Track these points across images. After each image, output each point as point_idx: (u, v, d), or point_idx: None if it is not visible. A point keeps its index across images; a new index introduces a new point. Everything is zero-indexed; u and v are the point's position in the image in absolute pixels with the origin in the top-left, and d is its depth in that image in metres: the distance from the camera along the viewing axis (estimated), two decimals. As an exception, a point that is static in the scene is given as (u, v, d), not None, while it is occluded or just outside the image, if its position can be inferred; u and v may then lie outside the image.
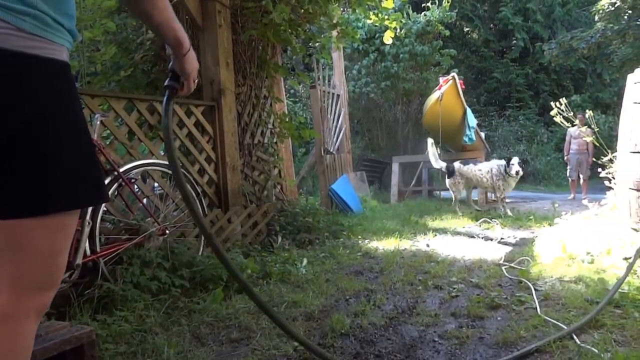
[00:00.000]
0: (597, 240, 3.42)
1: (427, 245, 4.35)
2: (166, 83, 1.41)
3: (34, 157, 0.88)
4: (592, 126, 4.27)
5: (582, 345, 1.95)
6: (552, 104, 4.41)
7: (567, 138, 9.30)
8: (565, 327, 2.14)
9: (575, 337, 2.05)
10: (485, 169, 6.58)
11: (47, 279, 0.94)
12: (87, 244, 2.49)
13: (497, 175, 6.39)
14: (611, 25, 11.38)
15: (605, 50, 13.06)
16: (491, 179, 6.43)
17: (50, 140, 0.90)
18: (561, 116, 4.29)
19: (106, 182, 2.65)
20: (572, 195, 9.20)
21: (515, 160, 6.22)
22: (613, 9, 11.15)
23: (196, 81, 1.42)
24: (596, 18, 11.81)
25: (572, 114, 4.31)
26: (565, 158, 9.40)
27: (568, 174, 9.37)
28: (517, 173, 6.09)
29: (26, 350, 0.92)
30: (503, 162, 6.44)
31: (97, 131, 2.63)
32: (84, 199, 0.99)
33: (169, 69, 1.39)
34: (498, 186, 6.39)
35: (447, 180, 6.78)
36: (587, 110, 4.55)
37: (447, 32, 10.93)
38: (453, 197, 6.80)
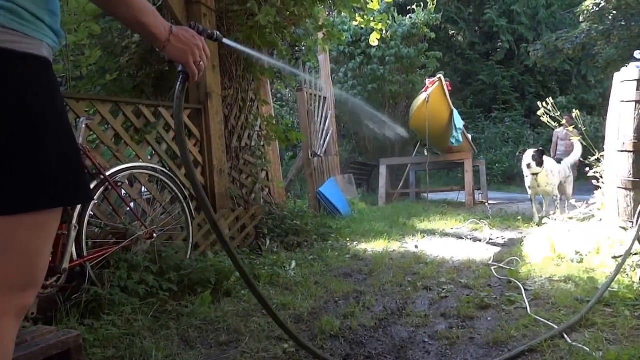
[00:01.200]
0: (586, 240, 3.45)
1: (416, 247, 4.37)
2: (180, 68, 1.34)
3: (11, 153, 0.86)
4: (580, 126, 4.32)
5: (574, 344, 1.96)
6: (539, 104, 4.45)
7: (554, 140, 9.43)
8: (555, 327, 2.15)
9: (566, 336, 2.06)
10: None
11: (28, 280, 0.92)
12: (73, 249, 2.44)
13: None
14: (596, 25, 11.57)
15: (590, 51, 13.28)
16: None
17: (31, 135, 0.87)
18: (548, 116, 4.33)
19: (92, 185, 2.61)
20: (560, 197, 9.32)
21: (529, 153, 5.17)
22: (597, 9, 11.34)
23: (202, 63, 1.29)
24: (581, 19, 12.00)
25: (558, 114, 4.36)
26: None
27: None
28: (528, 166, 5.12)
29: (6, 352, 0.90)
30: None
31: (82, 135, 2.59)
32: (67, 197, 0.96)
33: (168, 60, 1.34)
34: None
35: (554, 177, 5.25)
36: (574, 110, 4.60)
37: (433, 35, 11.04)
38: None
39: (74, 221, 2.44)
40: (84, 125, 2.61)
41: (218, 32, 1.48)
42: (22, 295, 0.91)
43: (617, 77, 3.54)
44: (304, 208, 5.48)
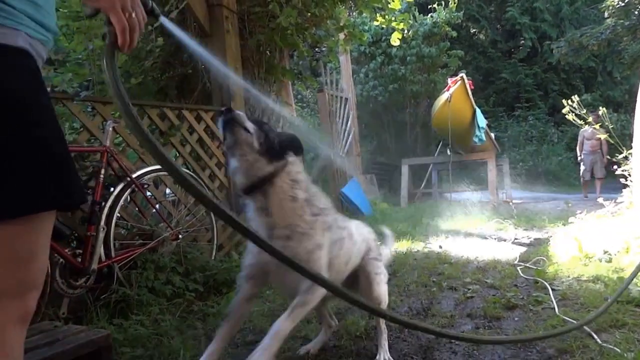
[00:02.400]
0: (615, 239, 3.35)
1: (440, 247, 4.32)
2: (105, 29, 1.04)
3: None
4: (607, 123, 4.20)
5: (604, 344, 1.91)
6: (564, 102, 4.35)
7: (580, 139, 9.23)
8: (585, 327, 2.09)
9: (595, 336, 2.01)
10: None
11: (23, 286, 0.88)
12: (102, 250, 2.50)
13: None
14: (621, 21, 11.24)
15: (616, 47, 12.90)
16: None
17: (11, 133, 0.82)
18: (573, 114, 4.22)
19: (119, 188, 2.68)
20: (585, 195, 9.11)
21: None
22: (623, 4, 11.02)
23: (135, 16, 1.03)
24: (606, 14, 11.67)
25: (584, 111, 4.24)
26: (579, 159, 9.32)
27: (581, 174, 9.28)
28: None
29: (15, 359, 0.87)
30: None
31: (109, 138, 2.65)
32: (51, 201, 0.90)
33: (88, 14, 1.06)
34: None
35: None
36: (600, 108, 4.48)
37: (455, 33, 10.91)
38: None
39: (102, 222, 2.50)
40: (110, 128, 2.68)
41: (155, 5, 1.18)
42: (23, 301, 0.88)
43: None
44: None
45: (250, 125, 1.59)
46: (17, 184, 0.83)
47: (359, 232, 2.01)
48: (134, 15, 1.02)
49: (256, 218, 1.60)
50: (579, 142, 9.33)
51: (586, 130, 8.04)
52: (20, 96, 0.86)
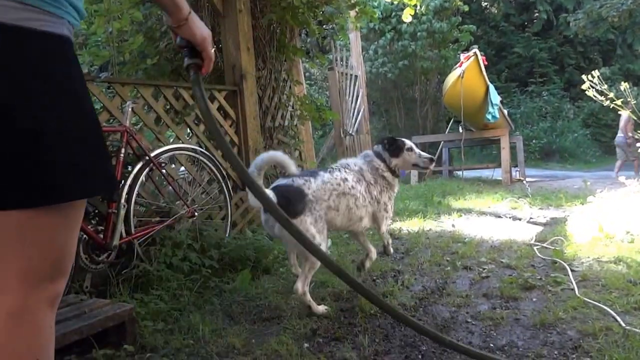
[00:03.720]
0: (638, 219, 3.29)
1: (453, 226, 4.31)
2: (186, 62, 1.22)
3: (32, 141, 0.82)
4: (629, 99, 4.08)
5: (628, 327, 1.90)
6: (584, 77, 4.21)
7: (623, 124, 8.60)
8: (608, 309, 2.07)
9: (619, 318, 1.99)
10: None
11: (56, 270, 0.91)
12: (122, 226, 2.54)
13: None
14: (645, -11, 10.82)
15: (637, 19, 12.45)
16: None
17: (49, 122, 0.84)
18: (594, 89, 4.10)
19: (138, 166, 2.70)
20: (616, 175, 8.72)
21: None
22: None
23: (213, 51, 1.23)
24: (628, -18, 11.23)
25: (605, 87, 4.10)
26: (629, 141, 8.69)
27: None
28: None
29: (48, 342, 0.90)
30: None
31: (128, 118, 2.66)
32: (89, 190, 0.94)
33: (181, 45, 1.21)
34: None
35: None
36: (622, 83, 4.35)
37: (466, 8, 10.62)
38: None
39: (123, 200, 2.53)
40: (130, 109, 2.68)
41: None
42: (54, 286, 0.91)
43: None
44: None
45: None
46: (64, 171, 0.86)
47: None
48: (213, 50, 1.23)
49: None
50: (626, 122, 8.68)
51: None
52: (75, 87, 0.90)
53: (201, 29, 1.18)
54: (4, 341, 0.84)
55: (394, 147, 2.67)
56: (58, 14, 0.87)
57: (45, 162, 0.83)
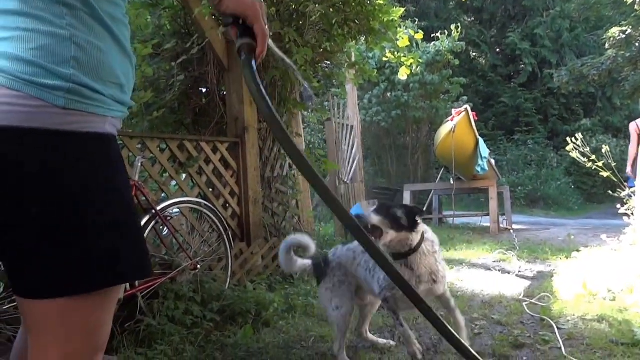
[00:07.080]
0: (618, 277, 3.44)
1: (445, 278, 4.39)
2: (238, 43, 1.06)
3: (70, 232, 0.86)
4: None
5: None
6: (568, 139, 4.42)
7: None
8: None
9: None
10: None
11: (95, 348, 0.95)
12: (129, 282, 2.60)
13: None
14: (622, 52, 11.54)
15: (617, 77, 13.21)
16: None
17: (88, 215, 0.87)
18: (577, 152, 4.31)
19: (144, 220, 2.80)
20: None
21: None
22: (624, 36, 11.34)
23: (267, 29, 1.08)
24: (607, 45, 11.98)
25: (587, 149, 4.31)
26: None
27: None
28: None
29: None
30: None
31: (137, 172, 2.79)
32: (125, 275, 0.99)
33: (227, 22, 1.09)
34: None
35: None
36: (603, 146, 4.55)
37: (457, 62, 11.15)
38: None
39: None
40: (139, 164, 2.82)
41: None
42: None
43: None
44: (332, 235, 5.57)
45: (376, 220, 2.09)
46: (107, 259, 0.90)
47: None
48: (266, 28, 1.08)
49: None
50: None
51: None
52: (115, 182, 0.94)
53: (249, 4, 1.04)
54: None
55: None
56: (100, 113, 0.89)
57: (89, 251, 0.88)
